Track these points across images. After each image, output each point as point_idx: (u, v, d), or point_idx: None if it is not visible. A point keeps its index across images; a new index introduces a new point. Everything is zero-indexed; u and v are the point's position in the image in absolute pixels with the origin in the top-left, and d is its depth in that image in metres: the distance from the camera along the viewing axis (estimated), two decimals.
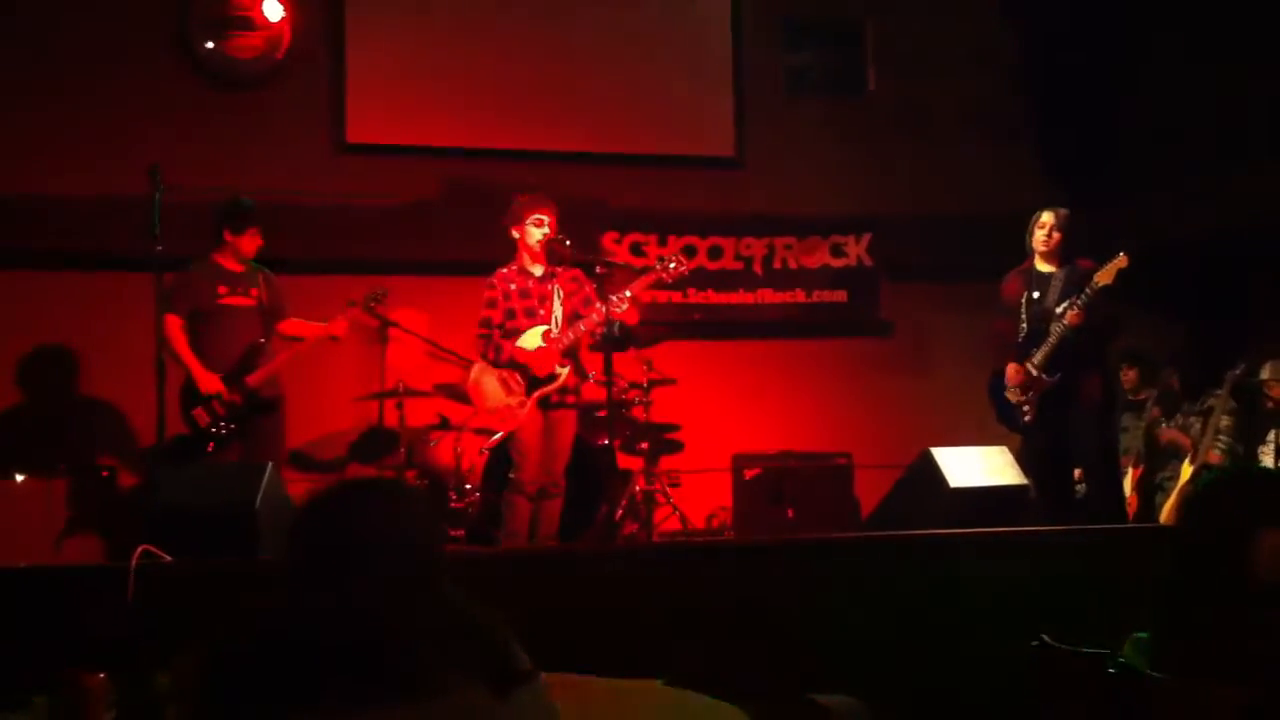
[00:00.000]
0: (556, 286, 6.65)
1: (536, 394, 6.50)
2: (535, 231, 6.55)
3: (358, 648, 2.10)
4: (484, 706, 2.14)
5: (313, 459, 8.16)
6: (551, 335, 6.54)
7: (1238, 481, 3.27)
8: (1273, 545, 2.99)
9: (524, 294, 6.60)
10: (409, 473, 7.58)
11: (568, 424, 6.64)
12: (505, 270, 6.62)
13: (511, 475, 6.58)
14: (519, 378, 6.51)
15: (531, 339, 6.53)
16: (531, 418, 6.50)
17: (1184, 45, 8.82)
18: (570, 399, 6.63)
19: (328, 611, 2.14)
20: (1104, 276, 6.44)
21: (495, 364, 6.52)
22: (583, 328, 6.49)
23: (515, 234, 6.59)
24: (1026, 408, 6.72)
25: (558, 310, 6.62)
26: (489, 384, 6.53)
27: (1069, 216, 6.80)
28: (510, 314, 6.58)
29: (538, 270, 6.63)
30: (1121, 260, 6.43)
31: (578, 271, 6.71)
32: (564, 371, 6.54)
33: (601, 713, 2.94)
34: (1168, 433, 8.26)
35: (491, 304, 6.60)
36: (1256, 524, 3.04)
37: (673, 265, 6.64)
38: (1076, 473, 7.09)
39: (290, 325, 7.04)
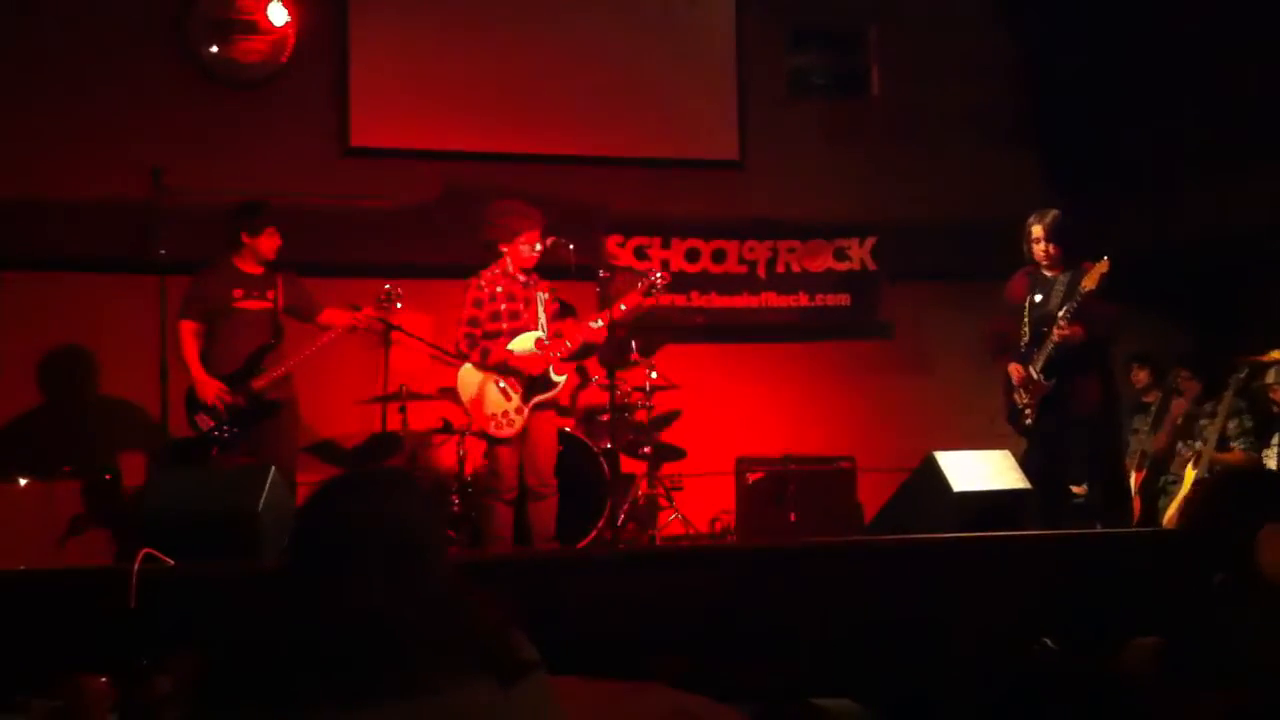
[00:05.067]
0: (540, 293, 6.69)
1: (535, 399, 6.52)
2: (526, 251, 6.57)
3: (360, 644, 2.08)
4: (489, 701, 2.12)
5: (316, 463, 8.15)
6: (544, 343, 6.56)
7: (1238, 480, 3.27)
8: (1276, 541, 2.99)
9: (510, 297, 6.61)
10: None
11: (546, 423, 6.64)
12: (489, 272, 6.63)
13: (489, 483, 6.60)
14: (516, 383, 6.52)
15: (524, 345, 6.54)
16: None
17: (1184, 48, 8.80)
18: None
19: (329, 608, 2.12)
20: (1088, 282, 6.42)
21: (482, 366, 6.52)
22: (568, 345, 6.53)
23: (503, 250, 6.60)
24: (1028, 411, 6.71)
25: (542, 316, 6.65)
26: (485, 388, 6.53)
27: (1059, 221, 6.72)
28: (495, 316, 6.59)
29: (521, 275, 6.65)
30: (1103, 265, 6.40)
31: (548, 282, 6.75)
32: (562, 379, 6.57)
33: (603, 715, 2.94)
34: (1158, 439, 8.25)
35: (477, 304, 6.59)
36: (1258, 520, 3.04)
37: (657, 278, 6.72)
38: (1077, 489, 7.09)
39: (326, 316, 7.05)
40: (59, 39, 8.28)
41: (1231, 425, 7.80)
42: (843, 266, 9.46)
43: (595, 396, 7.32)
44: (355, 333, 7.09)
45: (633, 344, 7.69)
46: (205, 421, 6.68)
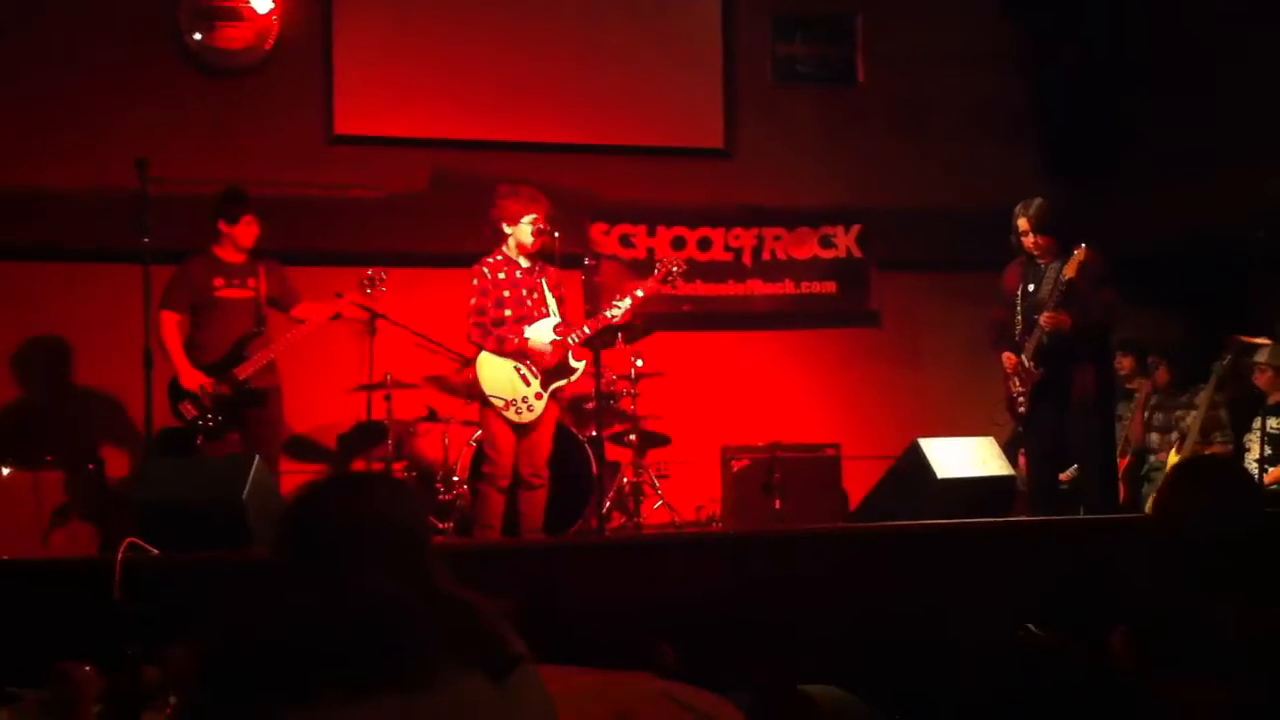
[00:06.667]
0: (545, 279, 6.66)
1: (553, 386, 6.52)
2: (528, 232, 6.54)
3: (353, 641, 2.09)
4: (482, 695, 2.14)
5: (302, 451, 8.15)
6: (561, 328, 6.55)
7: (1213, 468, 3.28)
8: None
9: (513, 283, 6.60)
10: (397, 465, 7.58)
11: (549, 414, 6.64)
12: (490, 260, 6.62)
13: (484, 468, 6.59)
14: (534, 370, 6.51)
15: (542, 332, 6.54)
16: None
17: (1182, 40, 8.81)
18: None
19: (322, 605, 2.13)
20: (1069, 270, 6.44)
21: (500, 354, 6.51)
22: (586, 330, 6.52)
23: (506, 229, 6.58)
24: (1021, 398, 6.73)
25: (551, 302, 6.63)
26: (504, 375, 6.51)
27: (1044, 210, 6.71)
28: (499, 303, 6.57)
29: (524, 261, 6.63)
30: (1080, 253, 6.42)
31: (552, 269, 6.74)
32: (581, 365, 6.57)
33: (591, 705, 2.94)
34: (1133, 425, 8.29)
35: (483, 292, 6.57)
36: (1216, 513, 3.05)
37: (675, 269, 6.72)
38: (1062, 475, 7.13)
39: (302, 309, 7.04)
40: (43, 28, 8.24)
41: (1223, 413, 7.84)
42: (829, 254, 9.46)
43: (580, 384, 7.32)
44: (339, 319, 7.09)
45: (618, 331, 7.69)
46: (189, 411, 6.68)
